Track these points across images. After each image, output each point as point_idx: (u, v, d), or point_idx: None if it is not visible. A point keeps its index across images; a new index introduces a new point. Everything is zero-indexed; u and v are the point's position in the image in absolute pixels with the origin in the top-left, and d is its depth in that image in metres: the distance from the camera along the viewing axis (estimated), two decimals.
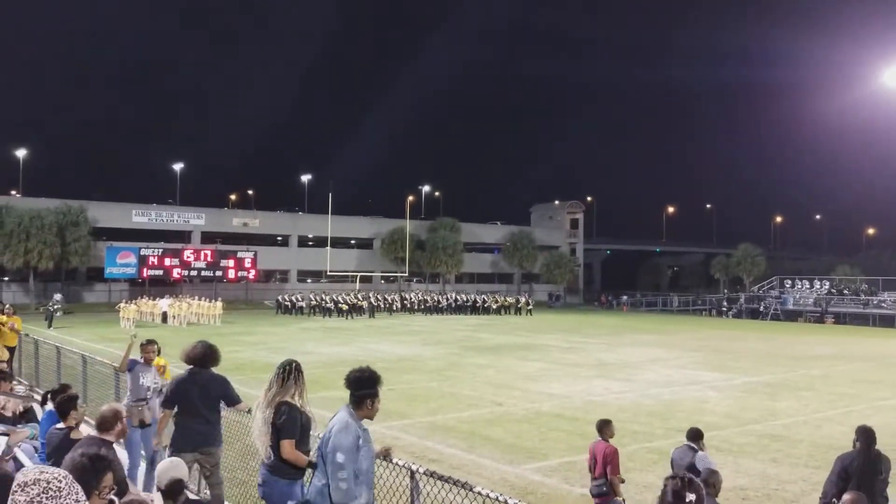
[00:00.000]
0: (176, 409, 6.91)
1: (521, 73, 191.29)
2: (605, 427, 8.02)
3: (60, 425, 5.83)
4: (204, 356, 6.95)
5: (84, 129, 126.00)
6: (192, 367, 6.97)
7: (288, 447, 5.39)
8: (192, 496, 4.71)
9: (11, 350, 15.55)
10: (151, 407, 8.58)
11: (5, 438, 5.35)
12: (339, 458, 4.68)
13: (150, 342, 9.18)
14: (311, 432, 5.67)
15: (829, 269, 68.78)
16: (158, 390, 8.54)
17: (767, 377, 21.34)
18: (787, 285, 64.46)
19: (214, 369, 7.08)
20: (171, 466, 4.42)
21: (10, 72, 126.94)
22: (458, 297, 57.65)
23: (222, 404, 7.11)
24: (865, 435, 7.32)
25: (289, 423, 5.43)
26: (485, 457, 11.44)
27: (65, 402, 5.91)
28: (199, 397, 6.82)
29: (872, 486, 7.10)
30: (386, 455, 5.28)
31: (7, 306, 18.60)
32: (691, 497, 3.01)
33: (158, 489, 4.34)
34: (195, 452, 6.72)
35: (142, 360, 8.97)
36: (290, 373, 5.63)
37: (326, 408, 15.33)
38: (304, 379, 5.74)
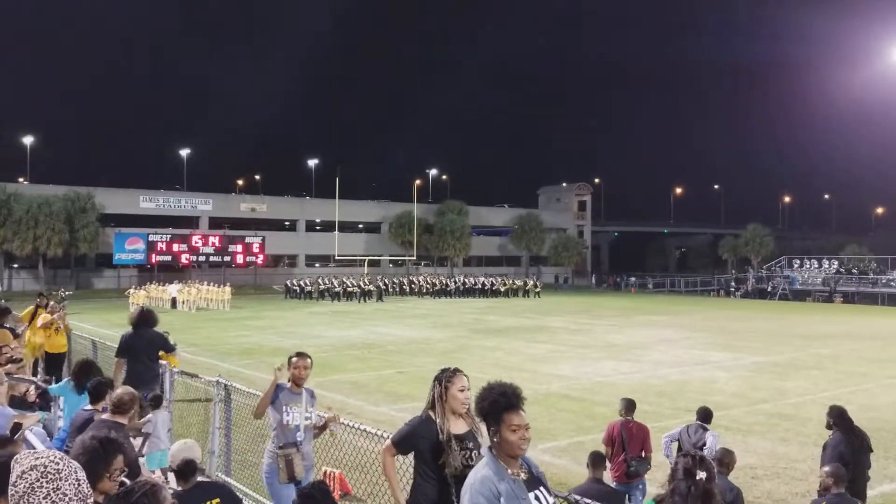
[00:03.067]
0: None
1: (528, 55, 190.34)
2: (632, 406, 8.06)
3: (88, 406, 5.87)
4: (146, 318, 9.01)
5: (91, 116, 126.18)
6: (136, 326, 8.90)
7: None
8: (202, 478, 4.75)
9: (57, 358, 11.75)
10: (305, 454, 6.03)
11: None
12: None
13: (302, 355, 6.25)
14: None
15: (837, 249, 68.54)
16: (319, 424, 6.14)
17: (776, 357, 21.31)
18: (796, 265, 64.27)
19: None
20: (185, 447, 4.45)
21: (15, 58, 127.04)
22: (466, 281, 57.70)
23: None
24: (843, 417, 7.39)
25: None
26: None
27: (100, 385, 5.96)
28: (145, 349, 8.76)
29: (864, 462, 7.24)
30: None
31: (60, 293, 16.50)
32: (702, 475, 3.01)
33: (171, 469, 4.38)
34: (143, 390, 7.59)
35: (288, 385, 6.11)
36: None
37: (335, 390, 15.45)
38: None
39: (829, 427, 7.42)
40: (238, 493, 5.37)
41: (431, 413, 4.39)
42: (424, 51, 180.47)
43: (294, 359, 6.16)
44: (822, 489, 6.10)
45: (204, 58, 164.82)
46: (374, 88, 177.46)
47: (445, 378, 4.42)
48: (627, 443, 7.65)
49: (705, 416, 8.13)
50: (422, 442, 4.33)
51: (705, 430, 7.90)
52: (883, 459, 10.63)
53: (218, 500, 4.28)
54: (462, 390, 4.38)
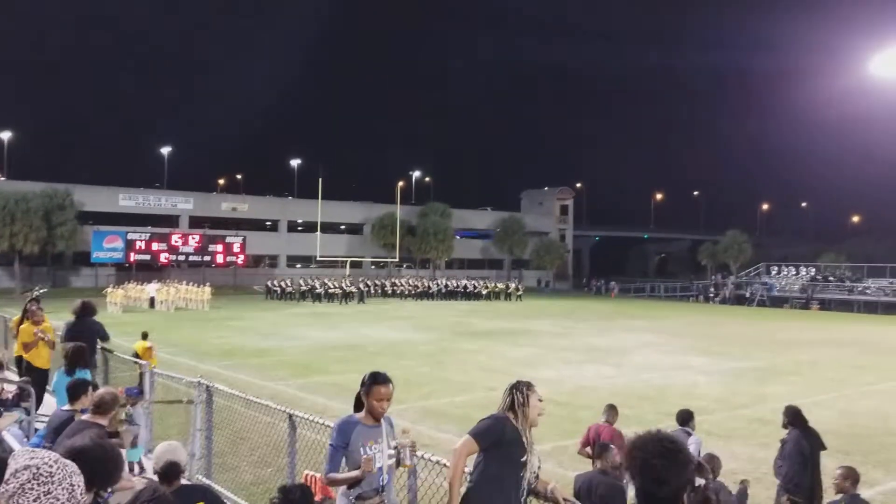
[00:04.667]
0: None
1: (510, 58, 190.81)
2: (613, 412, 8.18)
3: (67, 407, 5.79)
4: (87, 309, 10.45)
5: (69, 112, 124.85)
6: (79, 316, 10.30)
7: None
8: (185, 481, 4.68)
9: (40, 374, 10.08)
10: (391, 502, 4.68)
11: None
12: None
13: (384, 380, 4.59)
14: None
15: (814, 256, 69.21)
16: (410, 463, 4.58)
17: (755, 362, 21.47)
18: (774, 272, 64.84)
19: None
20: (170, 449, 4.38)
21: None
22: (449, 283, 57.67)
23: None
24: (798, 416, 7.65)
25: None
26: None
27: (78, 384, 5.88)
28: (87, 337, 9.70)
29: (818, 460, 7.48)
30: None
31: (35, 290, 13.56)
32: (701, 481, 3.00)
33: (154, 471, 4.31)
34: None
35: (361, 417, 4.57)
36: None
37: (318, 392, 15.35)
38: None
39: (785, 426, 7.65)
40: (220, 497, 5.29)
41: (508, 415, 4.47)
42: (410, 53, 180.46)
43: (375, 386, 4.52)
44: (838, 490, 6.22)
45: (186, 55, 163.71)
46: (359, 90, 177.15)
47: (526, 387, 4.56)
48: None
49: (684, 419, 8.16)
50: (508, 433, 4.39)
51: (688, 435, 7.92)
52: (862, 465, 10.69)
53: (202, 503, 4.21)
54: (540, 401, 4.58)
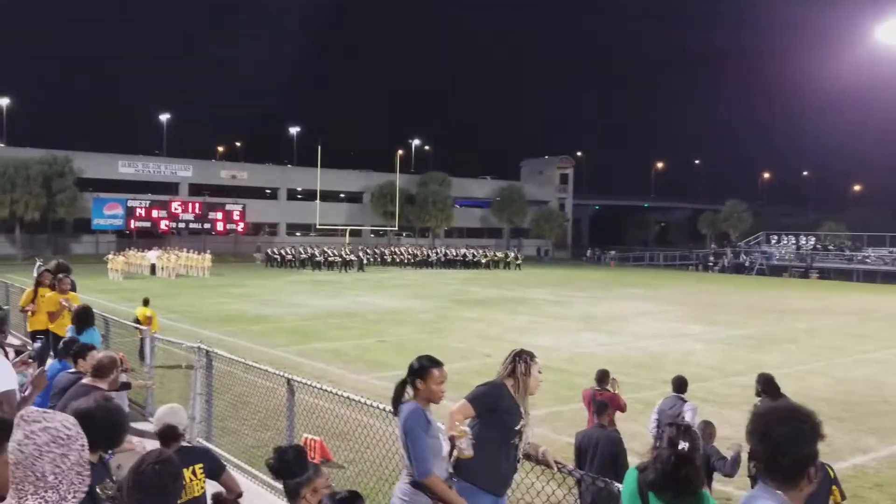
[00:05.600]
0: None
1: (511, 27, 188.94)
2: (604, 378, 8.31)
3: (73, 369, 5.88)
4: (61, 268, 10.42)
5: (68, 78, 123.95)
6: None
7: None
8: (185, 443, 4.75)
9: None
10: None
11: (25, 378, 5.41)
12: None
13: (439, 364, 4.39)
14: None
15: (814, 226, 69.25)
16: (470, 453, 4.23)
17: (752, 330, 21.60)
18: (773, 241, 64.90)
19: None
20: (170, 412, 4.44)
21: None
22: (448, 252, 57.75)
23: None
24: (771, 383, 7.70)
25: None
26: None
27: (81, 348, 5.97)
28: None
29: None
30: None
31: (37, 262, 13.81)
32: (684, 445, 3.06)
33: (155, 433, 4.38)
34: None
35: (423, 406, 4.33)
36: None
37: (317, 358, 15.49)
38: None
39: (758, 394, 7.74)
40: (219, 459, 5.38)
41: (507, 382, 4.49)
42: (408, 21, 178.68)
43: (434, 370, 4.30)
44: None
45: (187, 22, 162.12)
46: (359, 57, 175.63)
47: (529, 357, 4.56)
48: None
49: (680, 385, 8.25)
50: (505, 400, 4.42)
51: (683, 401, 8.02)
52: (855, 432, 10.87)
53: (201, 465, 4.28)
54: (540, 372, 4.59)
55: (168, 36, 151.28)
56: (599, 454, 6.51)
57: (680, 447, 3.04)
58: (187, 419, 4.38)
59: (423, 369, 4.27)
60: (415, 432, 4.10)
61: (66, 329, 9.19)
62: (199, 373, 8.65)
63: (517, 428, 4.39)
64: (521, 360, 4.52)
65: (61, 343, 7.17)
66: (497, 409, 4.39)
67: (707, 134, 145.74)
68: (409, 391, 4.32)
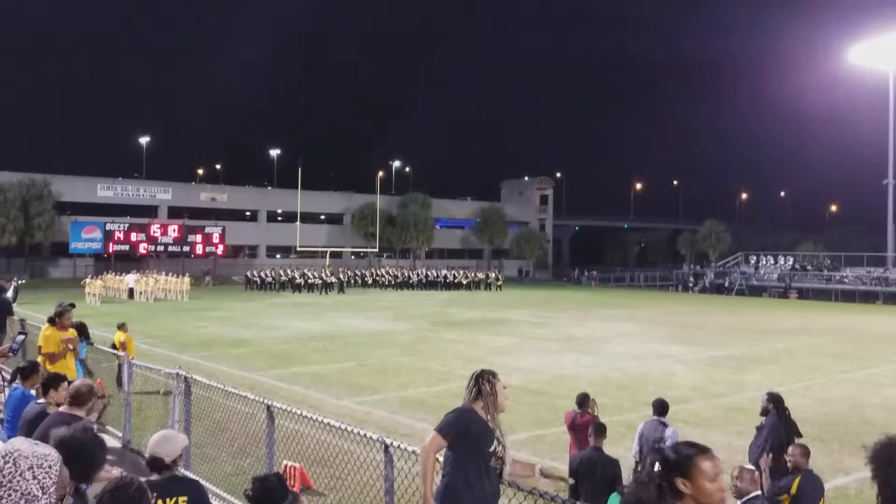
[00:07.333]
0: None
1: (489, 48, 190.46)
2: (584, 401, 8.31)
3: (41, 400, 5.74)
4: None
5: (47, 101, 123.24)
6: None
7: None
8: (178, 473, 4.64)
9: None
10: None
11: None
12: None
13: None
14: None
15: (793, 246, 69.94)
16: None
17: (733, 351, 21.67)
18: (752, 261, 65.38)
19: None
20: (161, 440, 4.31)
21: None
22: (429, 273, 57.69)
23: None
24: (780, 402, 7.82)
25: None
26: None
27: (50, 380, 5.81)
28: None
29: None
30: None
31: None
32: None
33: (145, 460, 4.26)
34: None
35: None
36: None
37: (297, 383, 15.33)
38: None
39: (764, 412, 7.79)
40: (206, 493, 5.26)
41: (475, 406, 4.48)
42: (391, 45, 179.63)
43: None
44: (793, 468, 6.37)
45: (166, 44, 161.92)
46: (339, 80, 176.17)
47: (491, 375, 4.57)
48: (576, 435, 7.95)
49: (661, 409, 8.23)
50: (475, 426, 4.41)
51: (665, 426, 7.99)
52: (837, 453, 10.89)
53: (185, 497, 4.17)
54: (505, 387, 4.59)
55: (148, 58, 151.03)
56: (601, 476, 6.66)
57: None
58: (181, 447, 4.25)
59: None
60: None
61: (72, 371, 8.35)
62: (177, 399, 8.52)
63: (492, 450, 4.40)
64: (484, 381, 4.53)
65: (16, 369, 6.96)
66: (469, 433, 4.39)
67: (686, 154, 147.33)
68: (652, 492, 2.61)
